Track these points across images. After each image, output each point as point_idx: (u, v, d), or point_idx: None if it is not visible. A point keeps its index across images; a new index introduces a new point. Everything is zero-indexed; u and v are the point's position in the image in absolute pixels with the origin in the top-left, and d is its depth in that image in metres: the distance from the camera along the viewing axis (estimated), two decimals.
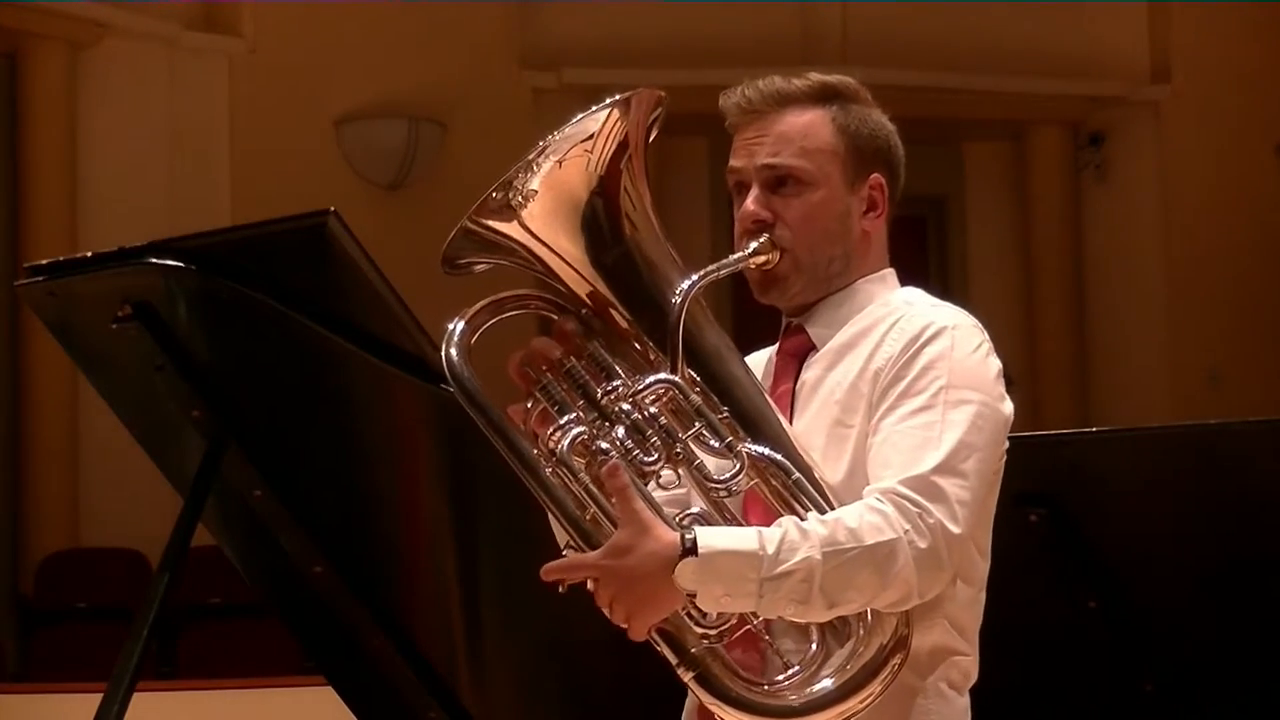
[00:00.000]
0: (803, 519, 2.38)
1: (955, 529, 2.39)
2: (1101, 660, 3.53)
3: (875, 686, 2.36)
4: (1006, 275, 11.67)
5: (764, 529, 2.35)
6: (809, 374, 2.58)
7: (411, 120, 10.52)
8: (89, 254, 3.05)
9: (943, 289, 12.79)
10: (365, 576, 3.27)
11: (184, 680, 7.57)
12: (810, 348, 2.60)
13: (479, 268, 2.53)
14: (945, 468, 2.41)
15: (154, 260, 2.98)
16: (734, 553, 2.31)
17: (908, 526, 2.36)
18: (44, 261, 3.08)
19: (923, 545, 2.36)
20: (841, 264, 2.61)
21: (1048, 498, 3.40)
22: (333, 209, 2.93)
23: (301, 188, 9.58)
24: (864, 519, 2.36)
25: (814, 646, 2.39)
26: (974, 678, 2.57)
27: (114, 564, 9.23)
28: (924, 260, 11.88)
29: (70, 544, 9.55)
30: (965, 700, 2.56)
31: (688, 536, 2.31)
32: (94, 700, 2.92)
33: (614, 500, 2.34)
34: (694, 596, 2.32)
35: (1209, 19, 11.62)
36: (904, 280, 2.71)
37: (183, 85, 10.19)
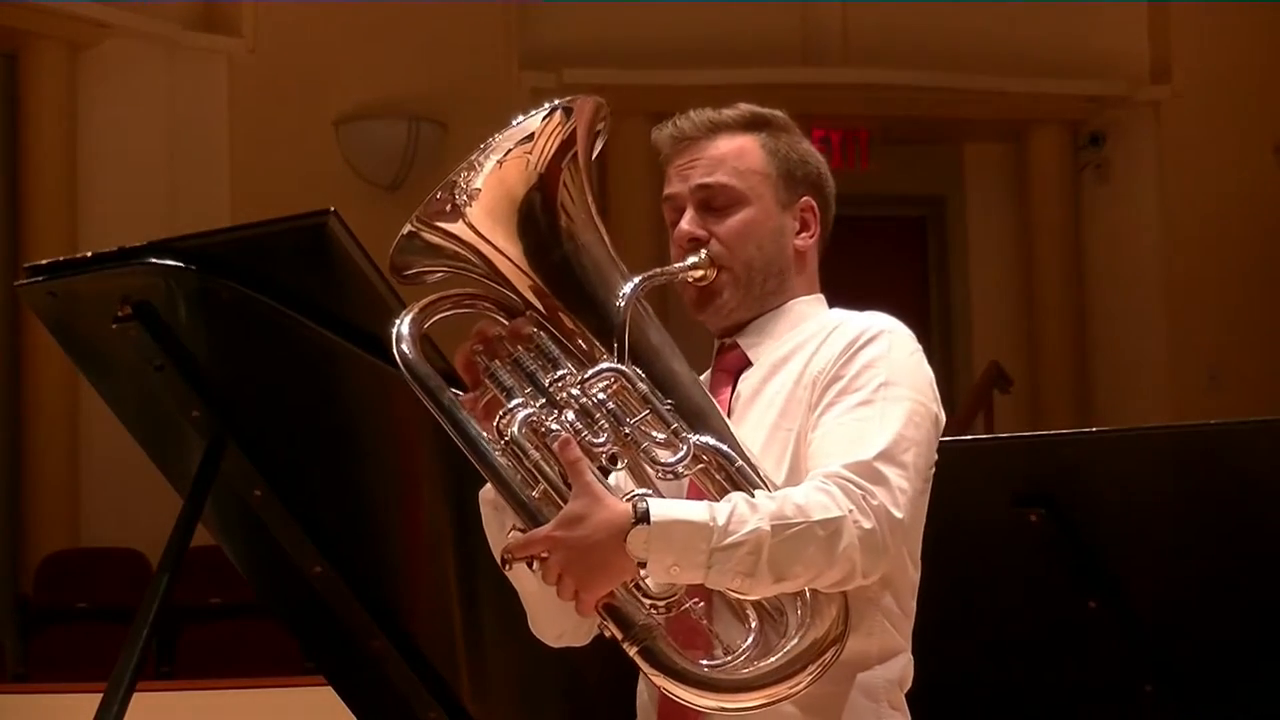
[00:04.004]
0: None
1: (898, 514, 2.44)
2: (1101, 660, 3.53)
3: (804, 678, 2.38)
4: (1007, 275, 11.67)
5: (713, 503, 2.40)
6: (744, 386, 2.64)
7: (411, 120, 10.52)
8: (89, 254, 3.05)
9: (943, 289, 12.82)
10: (365, 577, 3.27)
11: (184, 680, 7.56)
12: (746, 363, 2.67)
13: (433, 278, 2.57)
14: (886, 455, 2.47)
15: (154, 260, 2.98)
16: (685, 522, 2.35)
17: (852, 507, 2.41)
18: (44, 261, 3.08)
19: (867, 526, 2.41)
20: (776, 282, 2.68)
21: (1048, 498, 3.40)
22: (333, 209, 2.93)
23: (301, 188, 9.59)
24: (810, 496, 2.41)
25: (752, 635, 2.42)
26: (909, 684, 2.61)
27: (114, 564, 9.23)
28: (924, 260, 11.89)
29: (70, 544, 9.55)
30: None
31: (639, 505, 2.35)
32: (94, 700, 2.92)
33: (566, 475, 2.38)
34: (644, 566, 2.35)
35: (1209, 19, 11.62)
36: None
37: (183, 85, 10.19)
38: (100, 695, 2.92)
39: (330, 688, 3.46)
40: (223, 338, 3.14)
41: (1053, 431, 3.85)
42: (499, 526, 2.56)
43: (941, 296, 11.79)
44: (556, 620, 2.62)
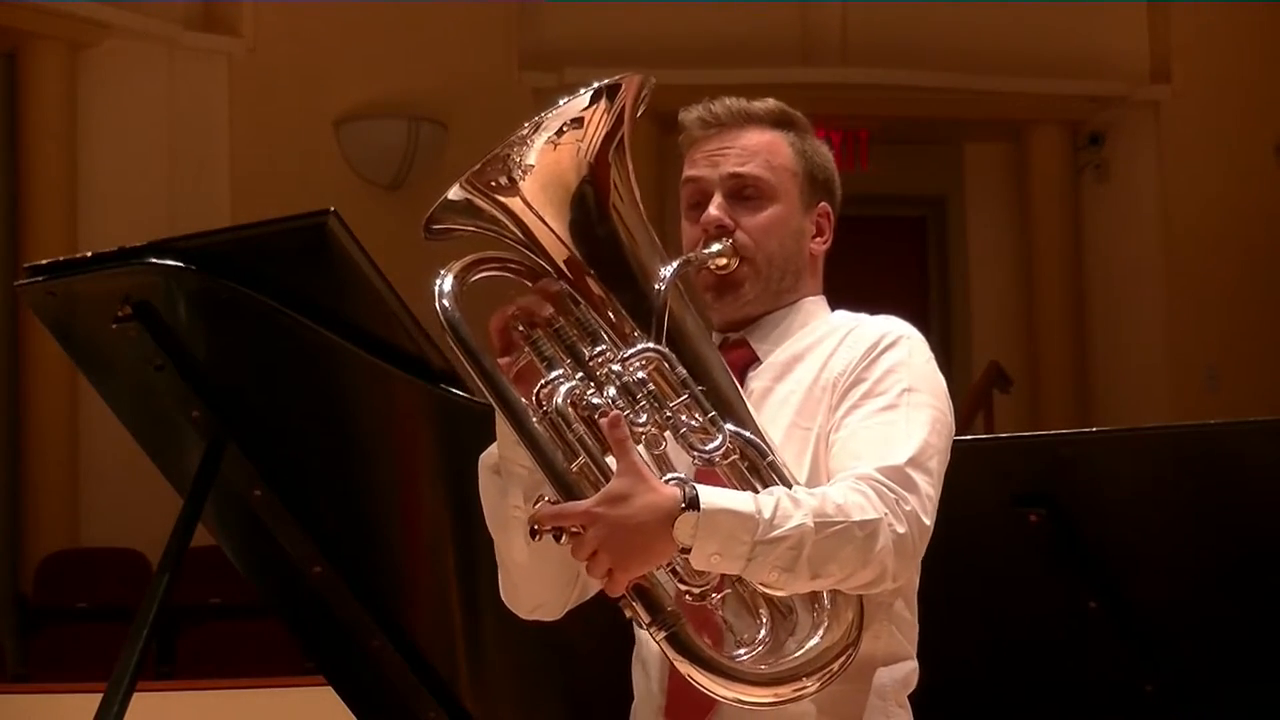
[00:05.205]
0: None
1: (926, 520, 2.46)
2: (1101, 660, 3.53)
3: (819, 679, 2.39)
4: (1006, 275, 11.67)
5: (756, 495, 2.39)
6: (756, 384, 2.64)
7: (411, 120, 10.53)
8: (89, 254, 3.05)
9: (943, 289, 12.79)
10: (365, 577, 3.28)
11: (184, 680, 7.56)
12: (753, 360, 2.66)
13: (457, 233, 2.53)
14: (916, 462, 2.48)
15: (154, 260, 2.98)
16: (732, 512, 2.34)
17: (886, 510, 2.41)
18: (44, 261, 3.08)
19: (900, 530, 2.42)
20: (792, 280, 2.69)
21: (1048, 498, 3.40)
22: (333, 209, 2.93)
23: (301, 188, 9.60)
24: (848, 497, 2.41)
25: (764, 631, 2.41)
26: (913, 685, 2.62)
27: (114, 564, 9.23)
28: (924, 260, 11.89)
29: (70, 544, 9.56)
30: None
31: (688, 491, 2.33)
32: (94, 700, 2.92)
33: (610, 451, 2.35)
34: (686, 552, 2.33)
35: (1209, 19, 11.62)
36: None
37: (183, 85, 10.20)
38: (100, 695, 2.92)
39: (330, 688, 3.46)
40: (223, 338, 3.14)
41: (1053, 431, 3.84)
42: (498, 492, 2.54)
43: (941, 296, 11.80)
44: (536, 592, 2.61)
